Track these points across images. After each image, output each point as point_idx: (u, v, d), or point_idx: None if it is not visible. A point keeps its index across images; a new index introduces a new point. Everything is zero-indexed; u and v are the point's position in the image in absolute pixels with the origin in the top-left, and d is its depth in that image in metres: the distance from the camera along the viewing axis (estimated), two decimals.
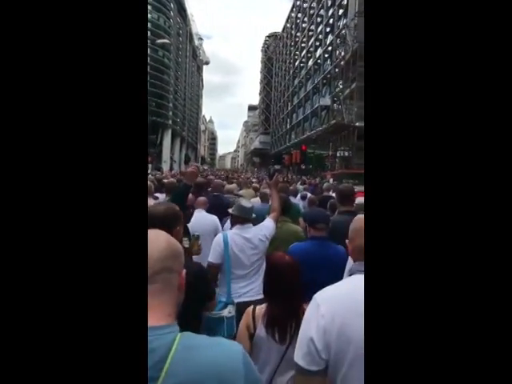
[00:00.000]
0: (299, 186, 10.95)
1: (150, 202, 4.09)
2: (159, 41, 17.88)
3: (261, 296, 2.31)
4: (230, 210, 2.91)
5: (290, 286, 1.73)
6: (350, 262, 1.71)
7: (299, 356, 1.09)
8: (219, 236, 2.80)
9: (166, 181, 6.41)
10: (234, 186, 6.73)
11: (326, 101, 29.45)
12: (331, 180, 17.73)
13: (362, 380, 0.90)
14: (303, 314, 1.22)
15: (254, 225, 2.84)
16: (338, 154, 21.58)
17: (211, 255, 2.73)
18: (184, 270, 0.92)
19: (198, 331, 1.14)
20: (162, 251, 0.87)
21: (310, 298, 1.22)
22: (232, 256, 2.67)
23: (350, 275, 1.22)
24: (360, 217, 1.32)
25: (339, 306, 1.09)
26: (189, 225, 2.99)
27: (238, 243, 2.70)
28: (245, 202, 2.88)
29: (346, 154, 19.43)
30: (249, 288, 2.69)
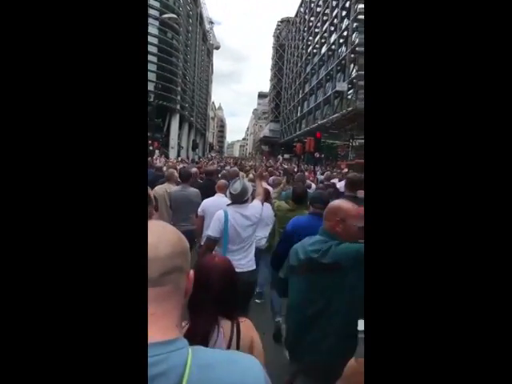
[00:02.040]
0: (319, 176, 10.23)
1: (173, 187, 4.83)
2: (166, 15, 16.79)
3: (253, 268, 3.09)
4: (229, 191, 3.13)
5: (215, 297, 1.46)
6: None
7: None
8: (220, 212, 2.99)
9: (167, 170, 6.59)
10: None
11: (343, 86, 28.07)
12: (345, 170, 16.65)
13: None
14: (236, 328, 1.45)
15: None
16: (352, 144, 20.41)
17: (211, 229, 2.94)
18: (192, 271, 0.82)
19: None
20: (173, 247, 0.76)
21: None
22: (231, 230, 2.93)
23: None
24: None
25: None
26: (208, 205, 3.76)
27: (236, 219, 2.97)
28: (234, 188, 3.07)
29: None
30: (244, 260, 3.00)
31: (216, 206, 3.56)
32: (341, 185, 6.85)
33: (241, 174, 6.51)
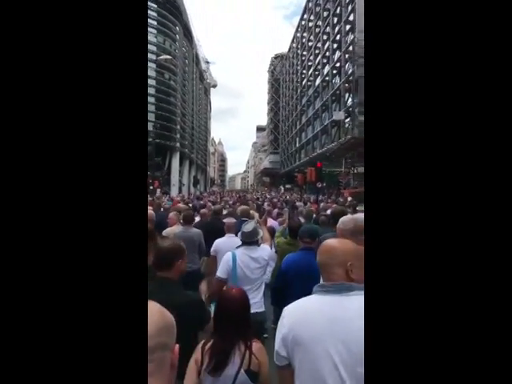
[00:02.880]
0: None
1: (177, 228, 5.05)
2: (162, 57, 17.19)
3: (262, 309, 3.08)
4: (242, 230, 3.23)
5: (238, 322, 1.81)
6: None
7: (275, 357, 1.43)
8: (228, 254, 3.11)
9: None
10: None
11: (340, 115, 28.32)
12: (349, 199, 16.42)
13: (310, 372, 1.31)
14: (249, 347, 1.76)
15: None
16: (353, 171, 20.30)
17: (220, 271, 3.05)
18: (177, 346, 0.83)
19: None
20: (156, 324, 0.75)
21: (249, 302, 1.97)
22: (239, 272, 3.00)
23: (313, 293, 1.47)
24: (326, 242, 1.58)
25: (295, 319, 1.40)
26: (220, 245, 3.88)
27: (244, 261, 3.04)
28: (247, 228, 3.18)
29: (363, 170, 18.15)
30: (252, 301, 2.85)
31: (228, 246, 3.68)
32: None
33: (255, 215, 6.45)
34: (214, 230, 4.90)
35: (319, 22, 42.50)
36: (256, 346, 1.79)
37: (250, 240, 3.17)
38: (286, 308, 1.47)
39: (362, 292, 1.27)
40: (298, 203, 12.35)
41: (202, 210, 6.73)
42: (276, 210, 8.75)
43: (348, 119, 29.05)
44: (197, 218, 6.06)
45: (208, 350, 1.75)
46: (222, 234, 4.18)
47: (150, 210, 4.76)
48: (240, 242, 3.29)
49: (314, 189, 16.23)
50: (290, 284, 2.79)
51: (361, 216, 2.47)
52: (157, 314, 0.77)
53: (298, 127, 53.53)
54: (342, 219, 2.45)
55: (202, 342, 1.82)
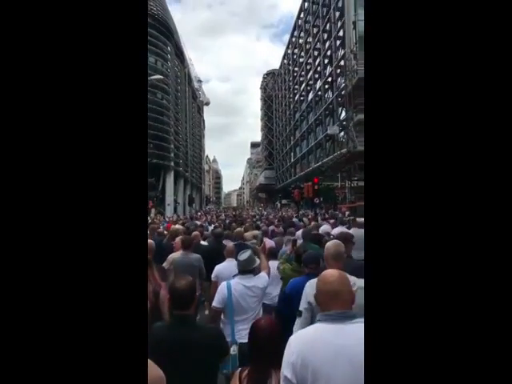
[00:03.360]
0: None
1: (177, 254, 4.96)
2: (153, 77, 17.00)
3: None
4: (238, 258, 3.26)
5: (270, 352, 1.83)
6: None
7: (281, 382, 1.47)
8: (223, 284, 3.16)
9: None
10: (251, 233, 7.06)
11: (334, 129, 28.16)
12: (347, 213, 16.03)
13: None
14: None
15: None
16: (351, 185, 19.99)
17: (215, 300, 3.11)
18: None
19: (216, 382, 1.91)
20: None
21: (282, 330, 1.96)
22: (234, 302, 3.06)
23: (316, 321, 1.56)
24: (335, 271, 1.68)
25: (303, 347, 1.46)
26: (220, 270, 3.95)
27: (239, 290, 3.09)
28: (242, 256, 3.20)
29: (362, 183, 17.78)
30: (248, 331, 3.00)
31: (228, 271, 3.75)
32: (335, 231, 6.58)
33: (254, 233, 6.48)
34: (215, 254, 4.99)
35: (309, 39, 43.05)
36: None
37: (245, 269, 3.20)
38: (293, 337, 1.56)
39: (363, 320, 1.41)
40: (294, 219, 12.08)
41: (194, 233, 6.61)
42: (271, 227, 8.70)
43: (342, 133, 29.00)
44: (203, 242, 6.29)
45: (245, 378, 1.85)
46: (223, 258, 4.21)
47: (150, 240, 4.51)
48: None
49: (311, 204, 15.85)
50: (294, 308, 2.76)
51: (337, 241, 2.88)
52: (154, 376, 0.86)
53: (292, 142, 53.61)
54: (326, 245, 2.83)
55: (239, 369, 1.92)
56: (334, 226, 8.37)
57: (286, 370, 1.44)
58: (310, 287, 2.42)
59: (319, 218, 13.15)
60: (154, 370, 0.91)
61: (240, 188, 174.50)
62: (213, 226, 11.58)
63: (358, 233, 6.87)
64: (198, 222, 12.58)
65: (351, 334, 1.42)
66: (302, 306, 2.49)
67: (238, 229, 6.66)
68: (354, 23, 25.76)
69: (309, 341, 1.47)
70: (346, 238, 3.84)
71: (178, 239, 5.54)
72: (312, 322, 2.23)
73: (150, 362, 0.87)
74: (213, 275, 4.04)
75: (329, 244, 2.79)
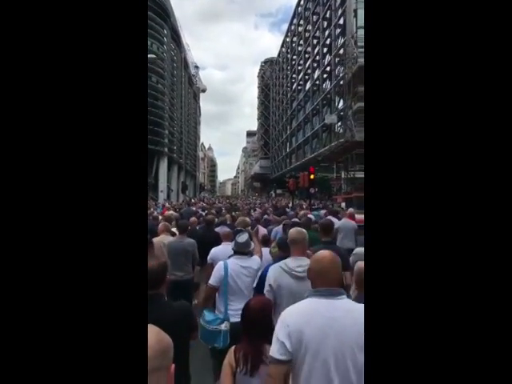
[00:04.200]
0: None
1: (168, 238, 5.14)
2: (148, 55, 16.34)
3: None
4: (236, 240, 3.43)
5: (263, 327, 1.96)
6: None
7: (274, 351, 1.53)
8: (220, 263, 3.30)
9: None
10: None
11: (332, 119, 27.60)
12: (343, 204, 15.71)
13: (312, 370, 1.48)
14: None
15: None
16: (347, 175, 19.63)
17: (212, 279, 3.23)
18: (173, 365, 0.91)
19: (188, 358, 2.07)
20: (151, 349, 0.83)
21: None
22: (230, 281, 3.19)
23: (306, 297, 1.67)
24: (326, 252, 1.80)
25: (299, 319, 1.55)
26: (216, 253, 4.09)
27: (235, 270, 3.24)
28: (241, 238, 3.39)
29: (359, 174, 17.41)
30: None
31: (224, 254, 3.86)
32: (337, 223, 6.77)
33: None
34: (207, 239, 5.12)
35: (309, 27, 42.25)
36: None
37: (241, 250, 3.33)
38: (286, 311, 1.63)
39: (347, 297, 1.67)
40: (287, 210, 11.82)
41: (192, 219, 6.81)
42: (265, 216, 8.87)
43: (339, 123, 28.55)
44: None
45: (240, 353, 1.91)
46: (213, 245, 4.32)
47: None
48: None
49: (306, 194, 15.49)
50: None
51: (298, 228, 3.06)
52: (153, 337, 0.83)
53: (288, 132, 53.09)
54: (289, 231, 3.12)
55: (234, 347, 1.99)
56: (325, 216, 8.23)
57: (282, 337, 1.51)
58: (272, 271, 2.75)
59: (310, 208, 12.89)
60: (161, 337, 0.91)
61: (235, 177, 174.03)
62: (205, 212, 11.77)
63: (346, 223, 7.08)
64: (194, 208, 12.69)
65: (340, 307, 1.57)
66: (266, 288, 2.68)
67: (241, 217, 6.67)
68: (355, 11, 25.17)
69: (304, 314, 1.57)
70: (305, 224, 4.75)
71: (161, 225, 5.60)
72: (275, 302, 2.54)
73: (156, 329, 0.90)
74: (209, 257, 4.17)
75: (291, 230, 3.01)
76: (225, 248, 4.09)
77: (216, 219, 6.92)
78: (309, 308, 1.58)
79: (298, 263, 2.66)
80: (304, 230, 2.97)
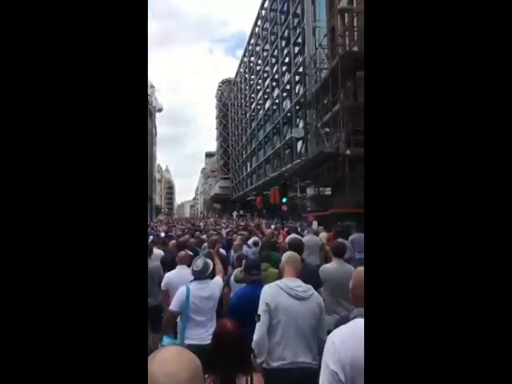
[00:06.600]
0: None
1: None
2: None
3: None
4: (192, 267, 3.44)
5: (237, 357, 1.78)
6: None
7: (328, 377, 1.42)
8: (182, 288, 3.31)
9: None
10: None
11: (299, 131, 26.83)
12: (315, 223, 14.62)
13: None
14: (251, 380, 1.75)
15: None
16: (313, 193, 18.76)
17: (173, 304, 3.28)
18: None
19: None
20: (191, 373, 0.82)
21: (246, 333, 1.94)
22: (192, 306, 3.25)
23: (353, 318, 1.58)
24: (359, 270, 1.72)
25: (349, 343, 1.43)
26: (171, 279, 4.00)
27: (197, 296, 3.28)
28: (196, 266, 3.37)
29: (328, 191, 16.53)
30: (205, 334, 3.12)
31: (178, 279, 3.81)
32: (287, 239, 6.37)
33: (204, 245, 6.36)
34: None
35: (267, 46, 42.31)
36: (256, 377, 1.82)
37: (201, 276, 3.33)
38: (334, 333, 1.53)
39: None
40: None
41: (183, 238, 6.82)
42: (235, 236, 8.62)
43: (300, 141, 28.02)
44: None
45: None
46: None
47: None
48: (190, 273, 3.51)
49: (276, 213, 14.32)
50: (243, 318, 2.40)
51: (292, 252, 3.06)
52: (192, 362, 0.80)
53: (248, 151, 52.34)
54: (284, 254, 3.11)
55: (206, 376, 1.75)
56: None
57: (333, 365, 1.41)
58: (269, 289, 2.57)
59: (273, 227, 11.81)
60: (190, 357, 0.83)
61: (194, 199, 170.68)
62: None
63: (312, 239, 6.94)
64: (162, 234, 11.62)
65: None
66: (261, 308, 2.50)
67: (214, 237, 6.56)
68: (314, 29, 25.14)
69: (355, 338, 1.45)
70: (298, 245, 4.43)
71: None
72: (271, 323, 2.43)
73: (175, 350, 0.84)
74: (163, 284, 4.04)
75: (286, 253, 2.98)
76: (180, 272, 4.00)
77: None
78: (358, 331, 1.41)
79: (296, 283, 2.58)
80: (295, 253, 2.93)
